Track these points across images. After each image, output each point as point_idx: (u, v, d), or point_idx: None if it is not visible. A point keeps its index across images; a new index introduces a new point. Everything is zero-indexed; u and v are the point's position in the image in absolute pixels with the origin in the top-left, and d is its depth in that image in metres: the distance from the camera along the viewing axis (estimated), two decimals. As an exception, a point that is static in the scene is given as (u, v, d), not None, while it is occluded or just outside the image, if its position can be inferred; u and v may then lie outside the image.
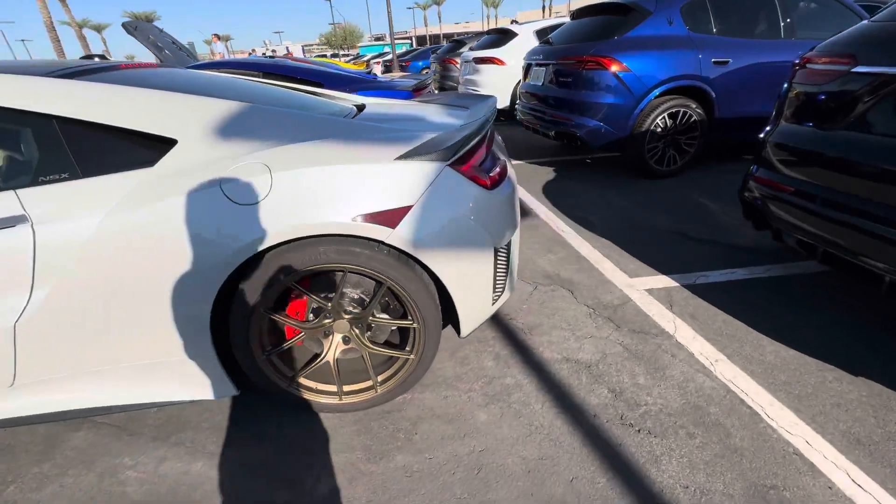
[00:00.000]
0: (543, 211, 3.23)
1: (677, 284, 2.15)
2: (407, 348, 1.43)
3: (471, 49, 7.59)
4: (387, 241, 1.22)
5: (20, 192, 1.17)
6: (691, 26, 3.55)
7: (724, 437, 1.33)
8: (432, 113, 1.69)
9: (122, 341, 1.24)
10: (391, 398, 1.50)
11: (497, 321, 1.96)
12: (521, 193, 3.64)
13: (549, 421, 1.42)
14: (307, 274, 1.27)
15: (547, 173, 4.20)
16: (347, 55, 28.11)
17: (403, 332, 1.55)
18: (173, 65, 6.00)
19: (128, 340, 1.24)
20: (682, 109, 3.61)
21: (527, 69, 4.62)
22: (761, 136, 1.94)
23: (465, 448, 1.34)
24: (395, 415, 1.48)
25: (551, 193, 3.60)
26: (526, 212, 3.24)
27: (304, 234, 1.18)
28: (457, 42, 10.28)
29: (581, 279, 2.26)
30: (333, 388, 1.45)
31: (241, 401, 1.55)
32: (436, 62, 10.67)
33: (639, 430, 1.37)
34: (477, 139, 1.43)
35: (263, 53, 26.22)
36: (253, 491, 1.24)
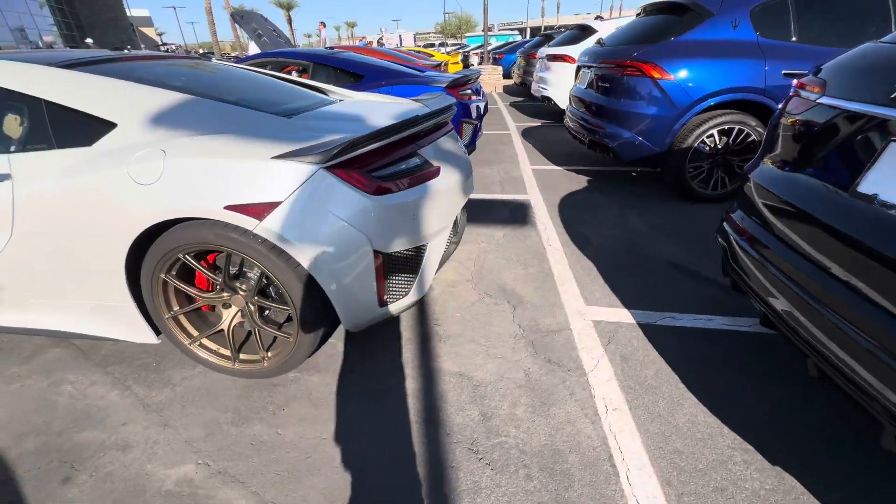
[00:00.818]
0: (545, 222, 3.09)
1: (633, 322, 1.96)
2: (288, 331, 1.56)
3: (548, 45, 7.31)
4: (254, 232, 1.34)
5: (11, 156, 1.51)
6: (762, 32, 3.05)
7: (563, 488, 1.23)
8: (382, 114, 1.74)
9: (68, 280, 1.55)
10: (278, 373, 1.64)
11: (423, 323, 1.98)
12: (534, 200, 3.51)
13: (403, 427, 1.44)
14: (199, 251, 1.45)
15: (577, 182, 3.96)
16: (457, 44, 28.50)
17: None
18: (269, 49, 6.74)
19: (71, 281, 1.54)
20: (739, 127, 3.14)
21: (577, 71, 4.36)
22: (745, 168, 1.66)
23: (314, 433, 1.43)
24: (278, 389, 1.62)
25: (566, 204, 3.41)
26: (526, 220, 3.13)
27: (182, 216, 1.35)
28: (546, 36, 9.92)
29: (532, 298, 2.16)
30: (230, 352, 1.63)
31: (171, 351, 1.82)
32: (521, 56, 10.46)
33: (480, 459, 1.33)
34: (376, 144, 1.47)
35: (378, 41, 27.83)
36: (137, 423, 1.48)
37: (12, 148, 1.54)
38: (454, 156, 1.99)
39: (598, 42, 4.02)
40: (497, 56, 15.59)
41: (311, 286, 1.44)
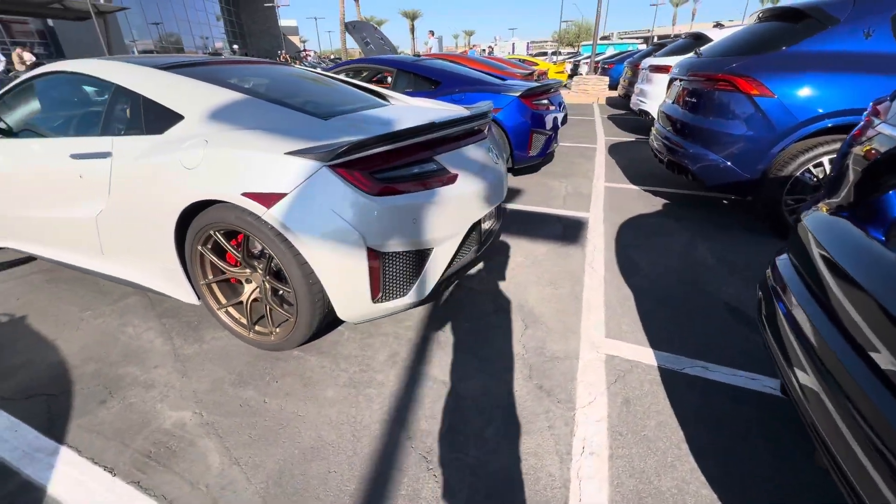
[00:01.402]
0: (596, 242, 2.89)
1: (654, 364, 1.75)
2: (290, 312, 1.70)
3: (654, 55, 6.77)
4: (263, 218, 1.50)
5: (115, 138, 1.89)
6: (907, 41, 2.48)
7: (501, 521, 1.16)
8: (410, 119, 1.81)
9: (141, 241, 1.88)
10: (283, 348, 1.80)
11: (428, 326, 2.01)
12: (594, 218, 3.29)
13: (370, 420, 1.49)
14: (227, 230, 1.66)
15: (652, 204, 3.62)
16: (571, 53, 27.52)
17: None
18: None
19: (143, 242, 1.88)
20: (860, 156, 2.59)
21: (669, 85, 3.97)
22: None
23: (294, 408, 1.55)
24: (279, 363, 1.78)
25: (629, 226, 3.14)
26: (576, 239, 2.96)
27: (213, 199, 1.56)
28: (659, 45, 9.18)
29: (549, 321, 2.05)
30: (246, 322, 1.84)
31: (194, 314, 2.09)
32: (628, 67, 9.82)
33: (430, 469, 1.31)
34: (382, 147, 1.53)
35: (488, 49, 28.32)
36: (165, 367, 1.75)
37: (117, 131, 1.93)
38: (481, 164, 1.98)
39: (696, 52, 3.62)
40: (607, 66, 14.80)
41: (310, 274, 1.57)
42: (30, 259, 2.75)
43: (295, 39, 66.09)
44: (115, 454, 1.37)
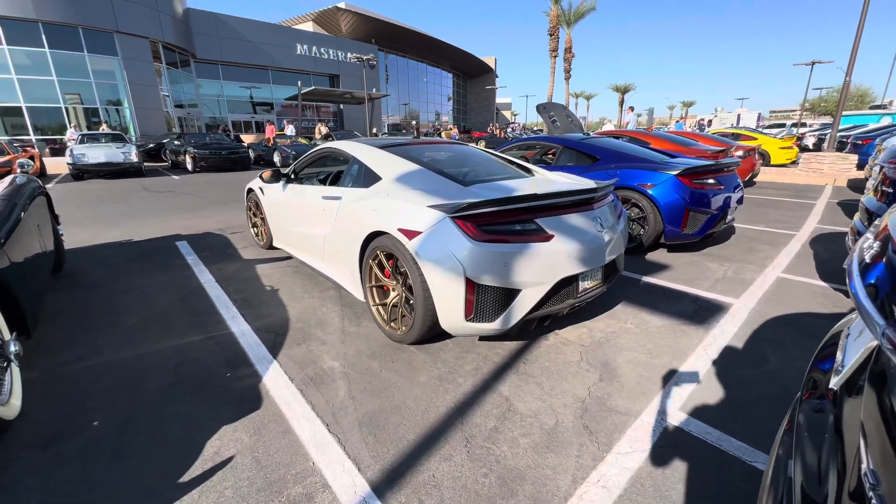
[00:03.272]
0: (728, 329, 2.72)
1: (720, 448, 1.71)
2: (412, 316, 2.38)
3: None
4: (406, 246, 2.24)
5: (344, 188, 3.04)
6: None
7: (501, 499, 1.48)
8: (528, 189, 2.41)
9: (344, 253, 2.92)
10: (404, 342, 2.48)
11: (515, 356, 2.39)
12: (739, 306, 3.04)
13: (439, 402, 1.98)
14: (388, 252, 2.48)
15: (833, 304, 3.07)
16: (826, 124, 21.99)
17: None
18: (560, 133, 8.15)
19: (345, 254, 2.91)
20: None
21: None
22: None
23: (396, 380, 2.17)
24: (399, 351, 2.46)
25: (781, 321, 2.81)
26: (703, 322, 2.83)
27: (381, 230, 2.41)
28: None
29: (627, 382, 2.16)
30: (386, 318, 2.61)
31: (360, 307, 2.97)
32: (881, 144, 7.98)
33: (466, 448, 1.71)
34: (490, 209, 2.12)
35: (702, 121, 26.27)
36: (335, 335, 2.64)
37: (347, 184, 3.08)
38: (581, 230, 2.35)
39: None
40: (861, 141, 11.96)
41: (426, 290, 2.22)
42: (289, 257, 4.31)
43: (507, 114, 74.83)
44: (296, 372, 2.25)
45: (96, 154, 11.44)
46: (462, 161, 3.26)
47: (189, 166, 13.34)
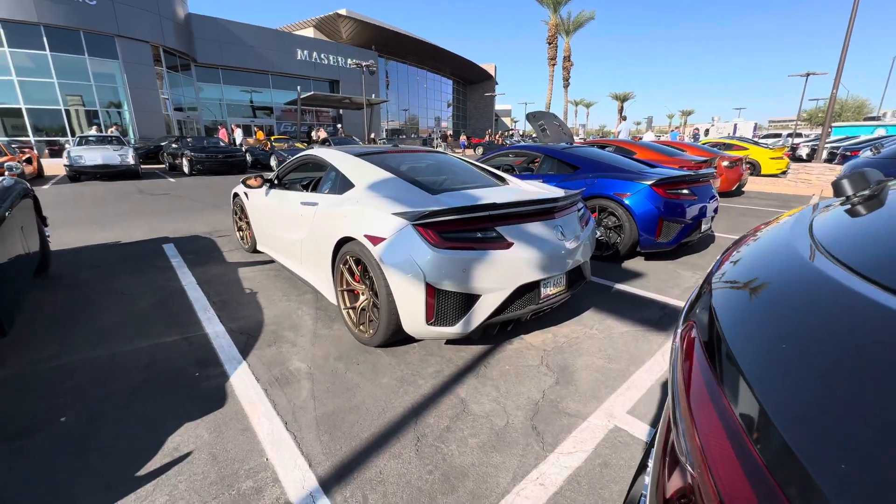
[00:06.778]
0: (654, 349, 2.79)
1: (661, 448, 1.78)
2: (377, 319, 2.45)
3: None
4: (371, 252, 2.32)
5: (321, 195, 3.13)
6: None
7: (441, 494, 1.55)
8: (495, 198, 2.51)
9: (318, 258, 3.00)
10: (371, 344, 2.56)
11: (477, 360, 2.46)
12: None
13: (397, 402, 2.05)
14: (356, 258, 2.56)
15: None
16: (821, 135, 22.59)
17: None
18: (550, 142, 8.28)
19: (319, 258, 2.99)
20: None
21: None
22: None
23: (359, 380, 2.24)
24: (365, 353, 2.53)
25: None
26: (668, 328, 2.91)
27: (350, 236, 2.49)
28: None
29: (582, 386, 2.24)
30: (355, 321, 2.68)
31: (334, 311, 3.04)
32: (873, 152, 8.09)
33: (416, 445, 1.79)
34: (450, 217, 2.21)
35: (696, 130, 26.54)
36: (306, 337, 2.72)
37: (323, 190, 3.17)
38: (542, 239, 2.43)
39: (873, 149, 3.12)
40: (850, 153, 12.11)
41: (390, 294, 2.30)
42: (272, 261, 4.39)
43: (507, 120, 75.23)
44: (263, 372, 2.32)
45: (93, 156, 11.54)
46: (438, 170, 3.35)
47: (186, 169, 13.45)
